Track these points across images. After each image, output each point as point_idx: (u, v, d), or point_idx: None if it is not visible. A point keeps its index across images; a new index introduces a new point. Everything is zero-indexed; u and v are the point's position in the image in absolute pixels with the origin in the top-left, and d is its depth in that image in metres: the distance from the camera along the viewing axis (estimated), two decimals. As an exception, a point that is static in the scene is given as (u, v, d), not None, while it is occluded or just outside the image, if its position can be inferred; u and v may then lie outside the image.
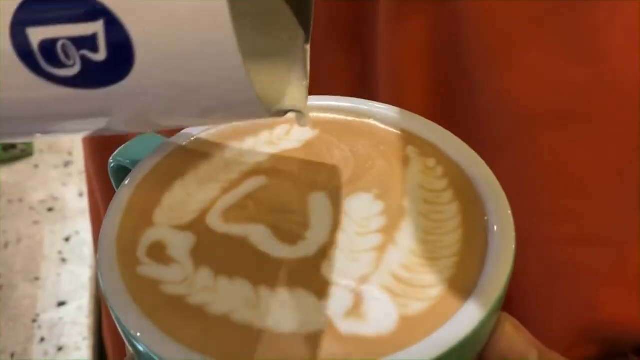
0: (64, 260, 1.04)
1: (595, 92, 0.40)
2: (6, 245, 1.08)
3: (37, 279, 1.02)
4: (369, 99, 0.44)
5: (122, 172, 0.35)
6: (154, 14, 0.22)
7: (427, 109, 0.45)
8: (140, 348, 0.26)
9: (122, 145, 0.37)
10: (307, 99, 0.32)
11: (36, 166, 1.26)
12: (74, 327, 0.96)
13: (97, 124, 0.29)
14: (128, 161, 0.36)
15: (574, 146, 0.41)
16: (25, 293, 1.00)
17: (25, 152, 1.28)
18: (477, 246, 0.29)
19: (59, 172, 1.25)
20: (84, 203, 1.12)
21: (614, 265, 0.44)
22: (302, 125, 0.32)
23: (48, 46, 0.23)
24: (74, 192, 1.19)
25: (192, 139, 0.36)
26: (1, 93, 0.25)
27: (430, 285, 0.27)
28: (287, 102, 0.31)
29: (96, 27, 0.22)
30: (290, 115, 0.31)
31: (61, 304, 0.99)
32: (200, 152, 0.35)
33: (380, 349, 0.25)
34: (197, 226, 0.31)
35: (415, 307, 0.26)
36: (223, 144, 0.36)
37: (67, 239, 1.08)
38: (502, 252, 0.28)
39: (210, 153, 0.35)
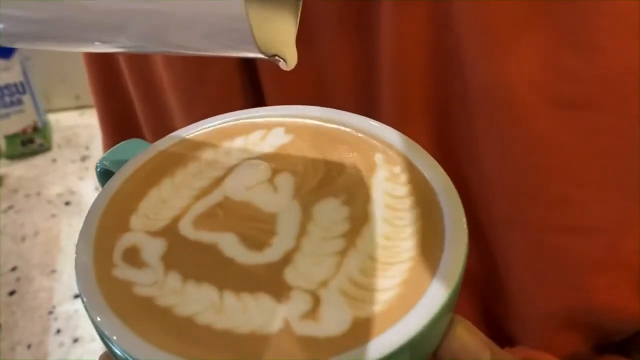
0: (80, 253, 1.06)
1: (590, 80, 0.40)
2: (23, 239, 1.10)
3: (53, 271, 1.04)
4: (372, 90, 0.45)
5: (109, 175, 0.37)
6: None
7: (426, 95, 0.47)
8: (109, 344, 0.28)
9: (109, 150, 0.39)
10: (294, 46, 0.33)
11: (54, 160, 1.29)
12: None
13: (95, 34, 0.29)
14: (114, 165, 0.37)
15: (568, 134, 0.42)
16: (41, 286, 1.02)
17: (43, 147, 1.30)
18: (431, 252, 0.30)
19: (76, 167, 1.27)
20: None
21: (605, 254, 0.44)
22: (287, 68, 0.32)
23: None
24: (91, 186, 1.21)
25: (172, 143, 0.38)
26: None
27: (384, 289, 0.28)
28: (276, 46, 0.32)
29: None
30: (277, 60, 0.31)
31: (77, 296, 1.00)
32: (177, 158, 0.37)
33: (330, 349, 0.26)
34: (169, 232, 0.32)
35: (369, 309, 0.28)
36: (200, 149, 0.37)
37: (83, 233, 1.10)
38: (453, 260, 0.29)
39: (186, 159, 0.37)
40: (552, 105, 0.41)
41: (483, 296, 0.52)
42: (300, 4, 0.34)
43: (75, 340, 0.94)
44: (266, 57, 0.29)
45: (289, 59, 0.32)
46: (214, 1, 0.25)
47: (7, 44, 0.32)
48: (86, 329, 0.96)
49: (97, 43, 0.30)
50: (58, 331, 0.95)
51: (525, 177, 0.44)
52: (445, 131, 0.48)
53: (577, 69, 0.40)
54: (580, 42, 0.40)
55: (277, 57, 0.31)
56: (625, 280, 0.44)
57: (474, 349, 0.30)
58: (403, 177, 0.34)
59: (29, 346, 0.93)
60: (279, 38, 0.32)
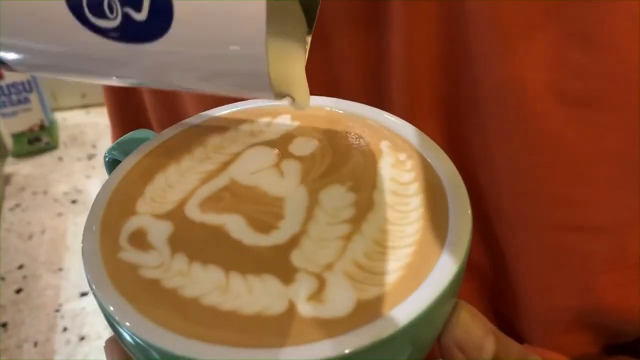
0: (86, 251, 1.06)
1: (599, 78, 0.40)
2: (30, 237, 1.10)
3: (60, 269, 1.04)
4: (382, 86, 0.46)
5: (116, 165, 0.37)
6: None
7: (435, 91, 0.47)
8: (117, 326, 0.28)
9: (117, 140, 0.39)
10: (305, 87, 0.34)
11: (60, 159, 1.29)
12: (96, 317, 0.98)
13: (119, 73, 0.31)
14: (123, 155, 0.37)
15: (577, 132, 0.42)
16: (48, 283, 1.02)
17: (50, 145, 1.31)
18: (435, 237, 0.30)
19: (82, 165, 1.27)
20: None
21: (612, 253, 0.44)
22: (299, 108, 0.33)
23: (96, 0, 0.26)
24: (97, 184, 1.21)
25: (179, 132, 0.38)
26: (46, 35, 0.28)
27: (388, 272, 0.29)
28: (287, 88, 0.32)
29: None
30: (289, 101, 0.32)
31: (84, 294, 1.01)
32: (183, 145, 0.37)
33: (334, 329, 0.26)
34: (175, 215, 0.32)
35: (373, 291, 0.28)
36: (206, 136, 0.38)
37: (90, 231, 1.10)
38: (456, 244, 0.30)
39: (192, 145, 0.37)
40: (562, 103, 0.41)
41: (492, 294, 0.52)
42: (309, 42, 0.34)
43: (82, 338, 0.94)
44: (278, 100, 0.30)
45: (300, 99, 0.33)
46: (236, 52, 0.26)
47: (27, 71, 0.34)
48: (93, 327, 0.96)
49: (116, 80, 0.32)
50: (65, 329, 0.95)
51: (533, 175, 0.44)
52: (454, 127, 0.48)
53: (586, 67, 0.40)
54: (589, 40, 0.40)
55: (288, 97, 0.32)
56: (633, 279, 0.44)
57: (478, 334, 0.30)
58: (409, 164, 0.34)
59: (35, 344, 0.93)
60: (290, 79, 0.33)
